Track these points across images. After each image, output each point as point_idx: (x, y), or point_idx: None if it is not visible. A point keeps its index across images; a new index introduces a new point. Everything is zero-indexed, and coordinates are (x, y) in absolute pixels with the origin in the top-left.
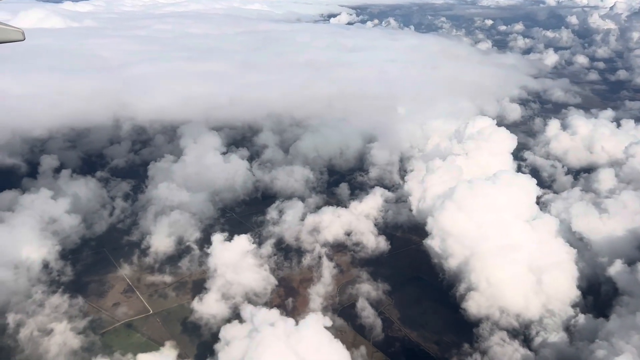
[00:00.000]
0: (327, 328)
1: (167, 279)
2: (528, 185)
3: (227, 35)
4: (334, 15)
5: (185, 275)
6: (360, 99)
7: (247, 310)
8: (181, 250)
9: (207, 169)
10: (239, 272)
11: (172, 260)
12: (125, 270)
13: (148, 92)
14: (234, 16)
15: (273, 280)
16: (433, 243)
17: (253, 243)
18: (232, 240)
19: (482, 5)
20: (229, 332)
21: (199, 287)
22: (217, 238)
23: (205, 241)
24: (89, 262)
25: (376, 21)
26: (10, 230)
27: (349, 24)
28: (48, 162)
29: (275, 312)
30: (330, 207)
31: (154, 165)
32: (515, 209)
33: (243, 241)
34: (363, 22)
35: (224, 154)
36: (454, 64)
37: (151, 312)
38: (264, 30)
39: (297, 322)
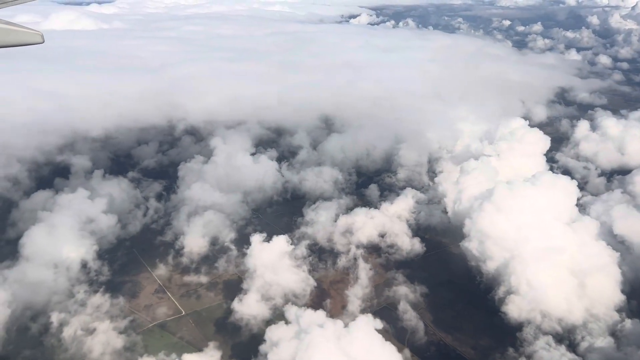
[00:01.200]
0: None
1: (200, 279)
2: (568, 187)
3: (256, 36)
4: (354, 16)
5: (217, 275)
6: (399, 99)
7: (291, 311)
8: (215, 251)
9: (237, 169)
10: (278, 273)
11: (206, 260)
12: (159, 270)
13: (198, 93)
14: (258, 17)
15: (312, 282)
16: (471, 245)
17: (291, 244)
18: (270, 241)
19: (501, 5)
20: (275, 333)
21: (231, 287)
22: (256, 239)
23: (238, 242)
24: (124, 262)
25: (393, 22)
26: (49, 230)
27: (370, 24)
28: (79, 162)
29: (321, 313)
30: (362, 208)
31: (184, 165)
32: (555, 211)
33: (281, 242)
34: (383, 22)
35: (252, 154)
36: (495, 64)
37: (183, 312)
38: (291, 31)
39: (345, 324)
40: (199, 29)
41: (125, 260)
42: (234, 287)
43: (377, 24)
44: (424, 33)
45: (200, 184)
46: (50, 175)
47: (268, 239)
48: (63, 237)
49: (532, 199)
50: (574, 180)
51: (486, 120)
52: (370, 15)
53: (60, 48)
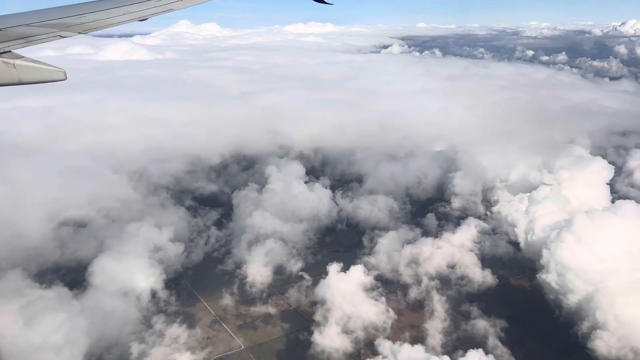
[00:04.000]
0: None
1: (268, 309)
2: None
3: (311, 65)
4: (386, 47)
5: (285, 306)
6: (454, 127)
7: (385, 345)
8: (280, 281)
9: (294, 197)
10: (357, 305)
11: (270, 290)
12: (225, 300)
13: (299, 120)
14: (299, 48)
15: (392, 314)
16: (549, 278)
17: (372, 275)
18: (347, 271)
19: (526, 35)
20: None
21: (299, 318)
22: (334, 268)
23: (303, 271)
24: (190, 292)
25: (420, 52)
26: (119, 259)
27: (402, 53)
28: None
29: (419, 348)
30: (426, 238)
31: (238, 193)
32: None
33: (359, 272)
34: (413, 52)
35: (305, 182)
36: (574, 92)
37: (242, 347)
38: (343, 60)
39: None
40: (252, 59)
41: (191, 290)
42: (302, 318)
43: (408, 53)
44: (482, 62)
45: (260, 212)
46: None
47: (345, 269)
48: (132, 265)
49: (616, 229)
50: None
51: (543, 149)
52: (402, 46)
53: (133, 77)
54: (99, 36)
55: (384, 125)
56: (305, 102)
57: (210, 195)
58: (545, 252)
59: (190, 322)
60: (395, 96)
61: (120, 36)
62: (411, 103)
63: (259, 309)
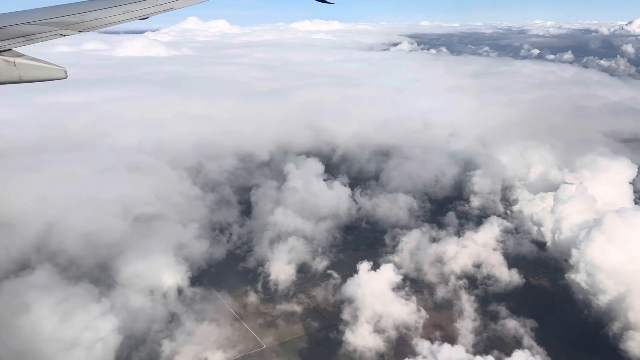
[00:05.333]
0: None
1: (290, 308)
2: None
3: (330, 62)
4: (396, 44)
5: (309, 304)
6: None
7: (423, 346)
8: (304, 279)
9: (314, 195)
10: (388, 304)
11: (295, 288)
12: (250, 298)
13: (338, 117)
14: (311, 45)
15: (424, 314)
16: (578, 277)
17: (398, 274)
18: (377, 270)
19: (532, 34)
20: None
21: (325, 316)
22: (364, 267)
23: (328, 269)
24: (215, 289)
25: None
26: (145, 256)
27: (411, 51)
28: None
29: (460, 348)
30: (450, 237)
31: (257, 190)
32: None
33: (389, 271)
34: (422, 50)
35: (324, 180)
36: (609, 90)
37: (264, 346)
38: (361, 58)
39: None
40: (269, 56)
41: (216, 287)
42: (327, 316)
43: (419, 50)
44: (503, 59)
45: (282, 210)
46: None
47: (375, 267)
48: (158, 263)
49: None
50: None
51: (561, 148)
52: (411, 44)
53: (160, 73)
54: (110, 33)
55: (427, 123)
56: (342, 99)
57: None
58: (574, 252)
59: (217, 320)
60: (428, 93)
61: (130, 33)
62: (447, 100)
63: (284, 307)
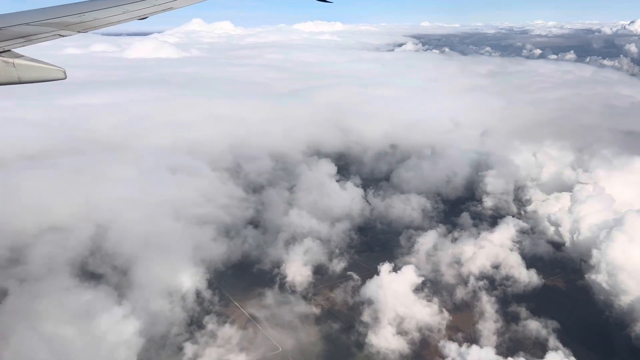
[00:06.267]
0: None
1: (308, 309)
2: None
3: (342, 62)
4: (400, 45)
5: (327, 306)
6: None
7: (451, 348)
8: (320, 280)
9: (326, 196)
10: (410, 305)
11: (312, 290)
12: (268, 300)
13: (367, 118)
14: (319, 46)
15: (447, 315)
16: (599, 278)
17: (419, 275)
18: (398, 271)
19: (534, 34)
20: None
21: (340, 318)
22: (385, 268)
23: (343, 271)
24: (231, 292)
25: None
26: (163, 258)
27: (417, 51)
28: None
29: (489, 350)
30: (467, 238)
31: (268, 191)
32: None
33: (410, 272)
34: (425, 50)
35: (337, 181)
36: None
37: (280, 349)
38: (371, 58)
39: None
40: (280, 57)
41: (233, 290)
42: (346, 318)
43: (424, 51)
44: (514, 59)
45: (297, 211)
46: None
47: (397, 268)
48: (176, 265)
49: None
50: None
51: (573, 149)
52: (416, 44)
53: (178, 74)
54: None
55: (458, 122)
56: (366, 100)
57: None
58: (595, 252)
59: (237, 322)
60: (450, 93)
61: (133, 35)
62: (472, 100)
63: (301, 309)
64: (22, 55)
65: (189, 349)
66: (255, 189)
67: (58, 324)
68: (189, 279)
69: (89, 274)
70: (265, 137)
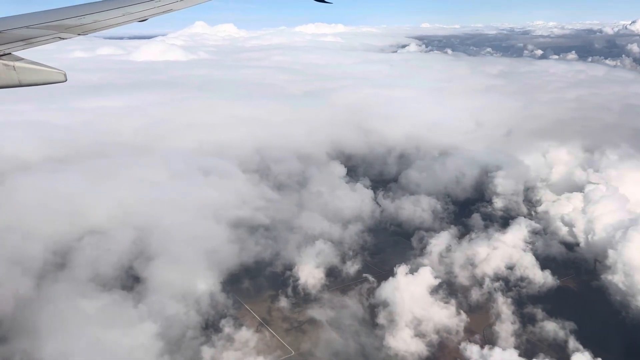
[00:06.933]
0: None
1: (322, 312)
2: None
3: (350, 64)
4: (404, 46)
5: (340, 308)
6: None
7: (472, 350)
8: (333, 283)
9: (337, 198)
10: (427, 307)
11: (326, 293)
12: (281, 303)
13: (388, 119)
14: (324, 48)
15: (465, 317)
16: (615, 278)
17: (436, 277)
18: (415, 273)
19: (536, 34)
20: None
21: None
22: (402, 270)
23: (357, 272)
24: (245, 294)
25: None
26: (176, 261)
27: (422, 52)
28: None
29: (512, 352)
30: (480, 239)
31: (302, 193)
32: None
33: (427, 274)
34: (428, 51)
35: (347, 182)
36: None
37: (293, 353)
38: (378, 59)
39: None
40: (288, 59)
41: (246, 293)
42: (362, 320)
43: (428, 52)
44: (524, 60)
45: (308, 213)
46: None
47: (413, 270)
48: (190, 268)
49: None
50: None
51: (582, 149)
52: (419, 45)
53: (191, 77)
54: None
55: (479, 122)
56: (384, 101)
57: None
58: (611, 253)
59: (251, 325)
60: (465, 93)
61: (136, 38)
62: (488, 100)
63: (315, 311)
64: (23, 58)
65: (207, 352)
66: (287, 190)
67: (101, 327)
68: (204, 282)
69: (132, 277)
70: (290, 139)
